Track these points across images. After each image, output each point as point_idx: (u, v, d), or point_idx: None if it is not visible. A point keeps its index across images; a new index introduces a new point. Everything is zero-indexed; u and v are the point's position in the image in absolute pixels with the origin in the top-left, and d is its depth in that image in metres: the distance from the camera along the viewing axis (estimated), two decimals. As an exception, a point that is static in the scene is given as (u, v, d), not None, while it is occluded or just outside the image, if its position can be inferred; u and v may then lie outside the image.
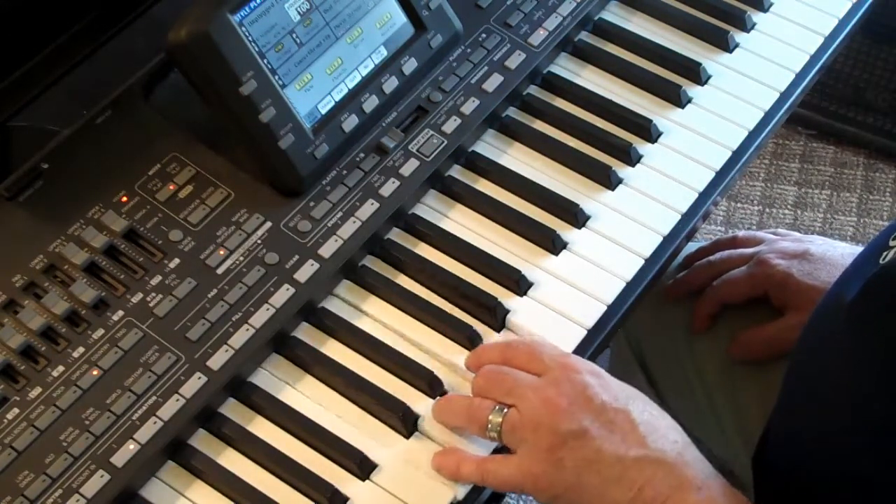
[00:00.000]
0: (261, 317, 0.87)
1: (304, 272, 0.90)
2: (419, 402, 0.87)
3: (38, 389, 0.82)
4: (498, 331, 0.91)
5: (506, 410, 0.83)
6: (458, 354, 0.89)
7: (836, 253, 1.05)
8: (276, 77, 0.91)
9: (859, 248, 1.03)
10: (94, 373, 0.83)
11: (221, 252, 0.89)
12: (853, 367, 0.78)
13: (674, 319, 1.12)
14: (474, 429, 0.84)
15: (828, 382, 0.83)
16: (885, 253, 0.80)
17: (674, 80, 1.06)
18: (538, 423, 0.81)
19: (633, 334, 1.17)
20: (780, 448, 0.91)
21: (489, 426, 0.83)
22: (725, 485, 0.82)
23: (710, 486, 0.80)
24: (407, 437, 0.86)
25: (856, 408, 0.79)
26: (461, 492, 0.84)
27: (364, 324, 0.91)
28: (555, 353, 0.86)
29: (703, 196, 0.99)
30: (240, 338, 0.86)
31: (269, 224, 0.91)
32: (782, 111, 1.05)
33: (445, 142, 0.98)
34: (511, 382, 0.84)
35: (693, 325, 1.10)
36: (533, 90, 1.05)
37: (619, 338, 1.19)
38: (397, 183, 0.95)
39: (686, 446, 0.83)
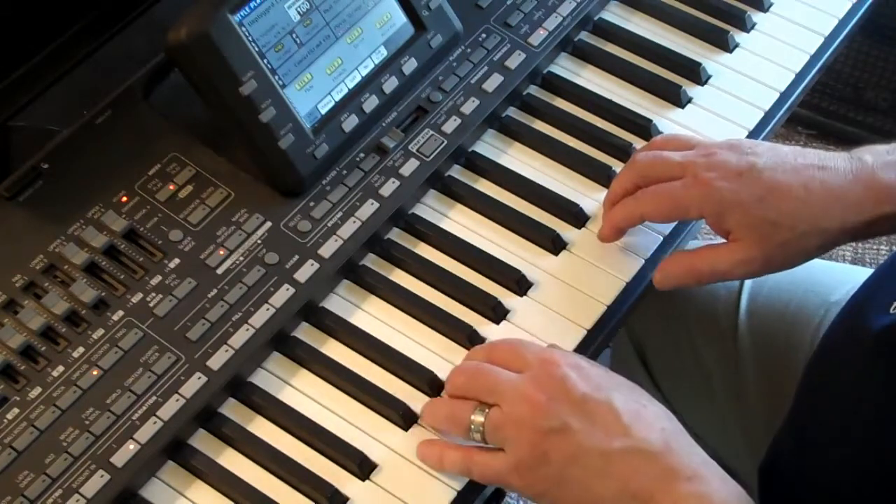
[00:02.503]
0: (261, 317, 0.87)
1: (304, 272, 0.90)
2: (419, 402, 0.87)
3: (38, 389, 0.82)
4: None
5: (487, 410, 0.82)
6: (458, 354, 0.89)
7: (797, 185, 0.87)
8: (276, 77, 0.91)
9: (822, 173, 0.88)
10: (94, 373, 0.83)
11: (221, 252, 0.89)
12: (871, 394, 0.77)
13: (676, 318, 1.12)
14: (458, 431, 0.83)
15: (840, 405, 0.81)
16: None
17: (674, 80, 1.06)
18: (520, 421, 0.80)
19: (634, 333, 1.17)
20: (786, 463, 0.90)
21: (472, 427, 0.82)
22: (720, 472, 0.80)
23: (702, 475, 0.78)
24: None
25: (868, 436, 0.78)
26: (459, 485, 0.83)
27: (364, 324, 0.91)
28: (536, 349, 0.85)
29: (704, 196, 0.99)
30: (240, 338, 0.86)
31: (269, 224, 0.91)
32: (782, 111, 1.05)
33: (445, 142, 0.98)
34: (491, 380, 0.83)
35: (600, 232, 0.95)
36: (533, 90, 1.05)
37: (620, 336, 1.18)
38: (397, 183, 0.95)
39: (675, 434, 0.81)
